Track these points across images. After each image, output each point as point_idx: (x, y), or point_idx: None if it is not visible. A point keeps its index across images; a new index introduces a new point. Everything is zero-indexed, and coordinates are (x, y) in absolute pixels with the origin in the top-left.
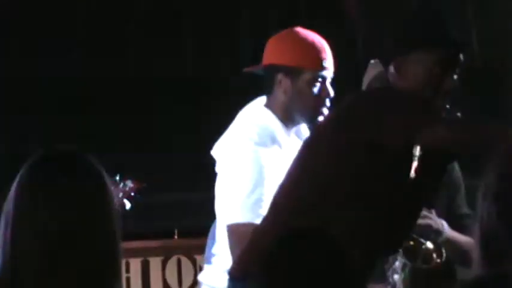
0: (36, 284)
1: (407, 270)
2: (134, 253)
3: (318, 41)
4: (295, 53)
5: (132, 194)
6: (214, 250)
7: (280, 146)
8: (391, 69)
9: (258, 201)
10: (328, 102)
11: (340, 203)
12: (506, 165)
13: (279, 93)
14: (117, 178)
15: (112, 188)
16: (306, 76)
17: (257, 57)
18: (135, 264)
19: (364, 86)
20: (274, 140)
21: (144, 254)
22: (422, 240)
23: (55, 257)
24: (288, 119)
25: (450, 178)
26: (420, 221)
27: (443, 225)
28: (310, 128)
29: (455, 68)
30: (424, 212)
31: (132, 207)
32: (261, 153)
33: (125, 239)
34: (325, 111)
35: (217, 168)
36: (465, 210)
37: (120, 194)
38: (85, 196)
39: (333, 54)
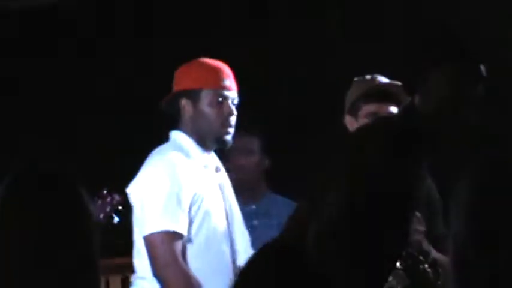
0: None
1: None
2: (114, 270)
3: (217, 64)
4: (193, 76)
5: (120, 207)
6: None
7: (197, 162)
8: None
9: (174, 212)
10: (232, 121)
11: None
12: (479, 184)
13: (186, 119)
14: (105, 191)
15: (99, 202)
16: (206, 96)
17: None
18: (115, 281)
19: (347, 104)
20: (189, 156)
21: (125, 271)
22: (421, 258)
23: (30, 275)
24: (201, 142)
25: (429, 198)
26: (414, 237)
27: (430, 246)
28: (219, 150)
29: (478, 79)
30: (419, 227)
31: (119, 220)
32: (176, 167)
33: (104, 256)
34: (231, 130)
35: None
36: (443, 230)
37: (108, 208)
38: (61, 216)
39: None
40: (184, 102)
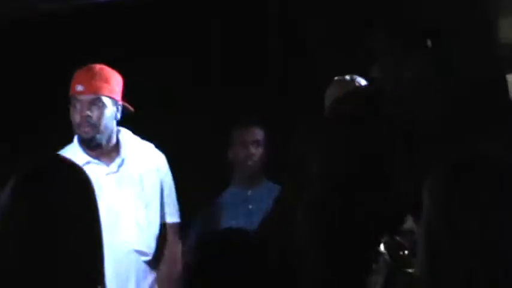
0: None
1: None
2: None
3: (83, 68)
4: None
5: None
6: None
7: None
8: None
9: None
10: (87, 120)
11: None
12: (453, 179)
13: None
14: None
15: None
16: (71, 102)
17: None
18: None
19: (327, 103)
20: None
21: None
22: (404, 242)
23: (33, 259)
24: (82, 142)
25: None
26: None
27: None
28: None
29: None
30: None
31: None
32: None
33: None
34: (85, 129)
35: None
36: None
37: None
38: (70, 203)
39: None
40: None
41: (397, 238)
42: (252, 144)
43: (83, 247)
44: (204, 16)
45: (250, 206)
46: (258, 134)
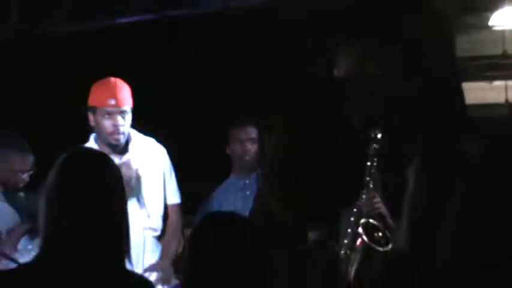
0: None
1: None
2: None
3: (107, 82)
4: (91, 95)
5: None
6: None
7: None
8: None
9: None
10: (118, 130)
11: None
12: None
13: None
14: None
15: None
16: (99, 112)
17: None
18: None
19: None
20: None
21: None
22: (379, 225)
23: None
24: (102, 142)
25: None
26: (371, 203)
27: (387, 212)
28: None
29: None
30: (374, 195)
31: None
32: None
33: None
34: (117, 137)
35: None
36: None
37: None
38: (104, 184)
39: None
40: (89, 114)
41: (373, 221)
42: (248, 141)
43: (117, 211)
44: None
45: (247, 192)
46: (253, 132)
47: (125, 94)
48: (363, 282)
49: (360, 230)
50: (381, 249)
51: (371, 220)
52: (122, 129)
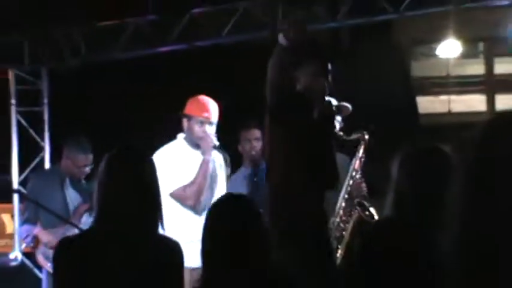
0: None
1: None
2: None
3: (203, 99)
4: (189, 106)
5: None
6: None
7: (188, 156)
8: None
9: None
10: (211, 137)
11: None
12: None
13: (185, 129)
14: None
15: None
16: (194, 120)
17: None
18: None
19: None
20: (183, 152)
21: None
22: (366, 204)
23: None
24: (191, 144)
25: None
26: (356, 185)
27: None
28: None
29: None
30: (361, 181)
31: None
32: (174, 156)
33: None
34: (209, 142)
35: None
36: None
37: None
38: (141, 172)
39: None
40: (184, 121)
41: (366, 203)
42: (254, 140)
43: (151, 191)
44: None
45: (255, 179)
46: (258, 132)
47: (215, 110)
48: (355, 240)
49: (358, 208)
50: (371, 221)
51: (363, 201)
52: (213, 135)
